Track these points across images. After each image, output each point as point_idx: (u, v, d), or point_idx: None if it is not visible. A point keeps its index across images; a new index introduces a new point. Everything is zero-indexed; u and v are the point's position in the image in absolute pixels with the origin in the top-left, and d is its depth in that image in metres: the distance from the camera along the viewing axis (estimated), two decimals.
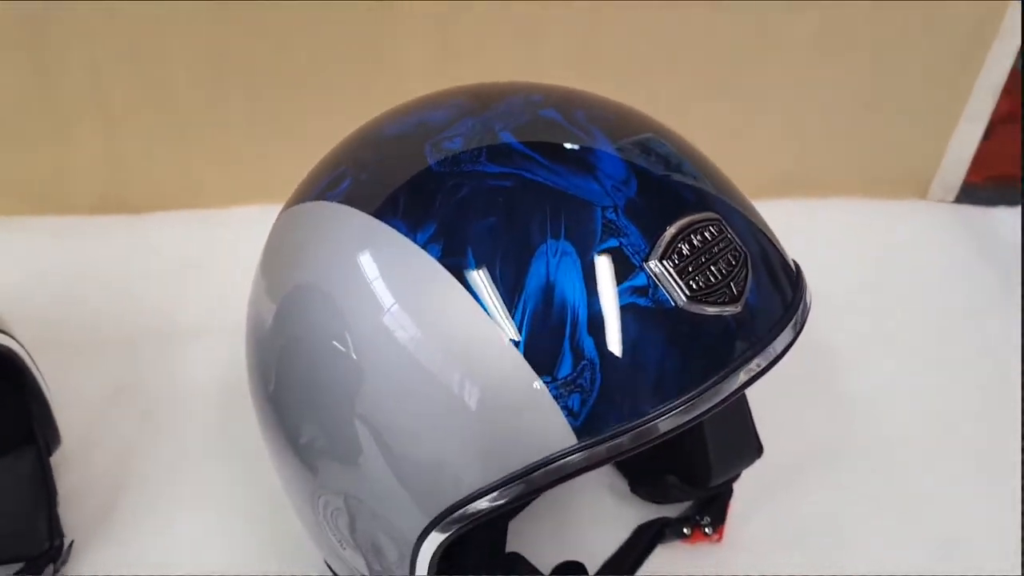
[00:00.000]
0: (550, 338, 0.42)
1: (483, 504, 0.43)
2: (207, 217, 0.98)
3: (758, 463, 0.66)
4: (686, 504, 0.68)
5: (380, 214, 0.47)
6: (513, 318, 0.42)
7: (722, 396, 0.43)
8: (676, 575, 0.65)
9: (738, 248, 0.46)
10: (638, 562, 0.64)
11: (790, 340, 0.46)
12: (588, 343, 0.42)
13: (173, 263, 0.92)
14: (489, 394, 0.42)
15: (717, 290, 0.44)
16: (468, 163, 0.47)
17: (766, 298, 0.46)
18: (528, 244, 0.43)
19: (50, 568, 0.61)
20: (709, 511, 0.67)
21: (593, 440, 0.41)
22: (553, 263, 0.43)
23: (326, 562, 0.59)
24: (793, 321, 0.47)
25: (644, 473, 0.67)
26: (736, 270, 0.45)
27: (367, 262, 0.46)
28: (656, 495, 0.67)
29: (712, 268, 0.44)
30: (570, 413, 0.41)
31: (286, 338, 0.51)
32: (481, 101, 0.52)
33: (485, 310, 0.42)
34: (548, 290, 0.42)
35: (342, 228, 0.48)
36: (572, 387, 0.41)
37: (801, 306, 0.48)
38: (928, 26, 0.92)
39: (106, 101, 0.94)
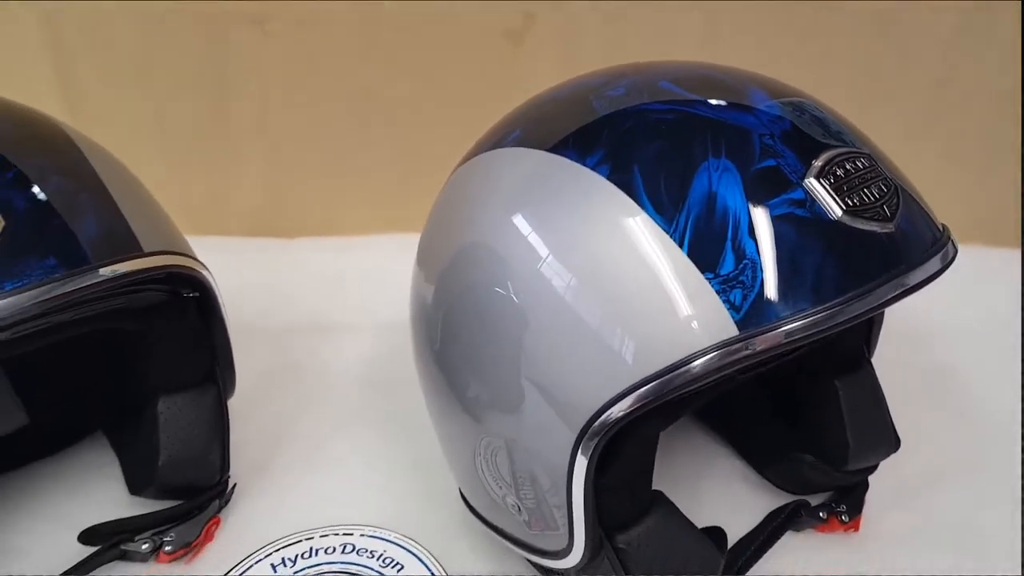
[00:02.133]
0: (713, 239, 0.45)
1: (622, 409, 0.46)
2: (348, 243, 1.05)
3: (894, 465, 0.67)
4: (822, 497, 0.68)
5: (552, 150, 0.52)
6: (678, 222, 0.46)
7: (875, 303, 0.45)
8: (810, 561, 0.64)
9: (889, 179, 0.49)
10: (769, 542, 0.64)
11: (939, 267, 0.48)
12: (749, 245, 0.45)
13: (318, 278, 0.99)
14: (648, 292, 0.45)
15: (871, 208, 0.47)
16: (632, 104, 0.52)
17: (916, 226, 0.49)
18: (691, 162, 0.47)
19: (215, 504, 0.65)
20: (846, 501, 0.66)
21: (754, 331, 0.44)
22: (715, 177, 0.47)
23: (465, 500, 0.63)
24: (943, 252, 0.49)
25: (780, 453, 0.68)
26: (888, 196, 0.48)
27: (528, 210, 0.51)
28: (790, 477, 0.67)
29: (865, 190, 0.47)
30: (732, 306, 0.44)
31: (450, 298, 0.55)
32: (636, 67, 0.57)
33: (651, 217, 0.46)
34: (711, 199, 0.46)
35: (515, 165, 0.53)
36: (734, 283, 0.44)
37: (950, 243, 0.50)
38: None
39: (268, 134, 1.05)
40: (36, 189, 0.51)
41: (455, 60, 1.00)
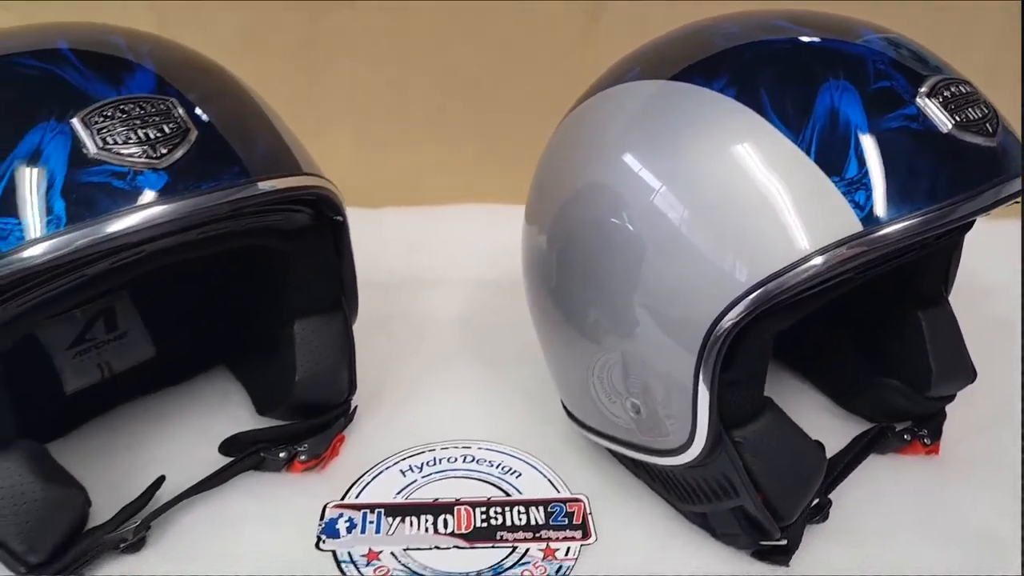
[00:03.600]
0: (838, 148, 0.51)
1: (737, 314, 0.50)
2: (432, 212, 1.11)
3: (968, 399, 0.72)
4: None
5: (675, 79, 0.57)
6: (804, 134, 0.51)
7: (982, 205, 0.50)
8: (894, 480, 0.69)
9: (988, 104, 0.54)
10: (855, 461, 0.68)
11: None
12: (871, 152, 0.50)
13: (404, 243, 1.05)
14: (775, 198, 0.50)
15: (976, 124, 0.52)
16: (749, 39, 0.57)
17: (1014, 145, 0.54)
18: (813, 83, 0.53)
19: (341, 422, 0.70)
20: (926, 426, 0.71)
21: (876, 227, 0.49)
22: (836, 95, 0.52)
23: (573, 418, 0.68)
24: None
25: (862, 382, 0.72)
26: (990, 115, 0.53)
27: (645, 140, 0.56)
28: (873, 403, 0.72)
29: (970, 109, 0.53)
30: (857, 206, 0.49)
31: (566, 235, 0.60)
32: (747, 12, 0.62)
33: (782, 132, 0.51)
34: (833, 113, 0.51)
35: (637, 94, 0.59)
36: (859, 185, 0.50)
37: None
38: None
39: (357, 109, 1.11)
40: (215, 108, 0.56)
41: (534, 37, 1.06)
